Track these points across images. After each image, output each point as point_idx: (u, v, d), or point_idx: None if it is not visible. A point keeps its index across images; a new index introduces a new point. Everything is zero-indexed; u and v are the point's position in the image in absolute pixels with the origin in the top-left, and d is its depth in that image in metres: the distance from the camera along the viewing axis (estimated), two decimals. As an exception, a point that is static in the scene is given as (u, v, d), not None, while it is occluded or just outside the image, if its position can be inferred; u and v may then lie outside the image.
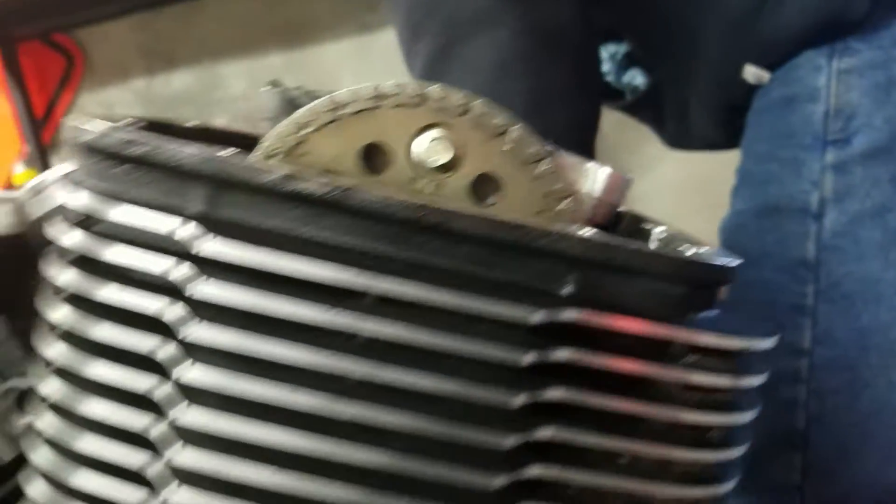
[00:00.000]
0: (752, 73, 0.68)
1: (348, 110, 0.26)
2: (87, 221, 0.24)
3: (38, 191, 0.39)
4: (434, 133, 0.26)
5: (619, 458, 0.24)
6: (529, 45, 0.61)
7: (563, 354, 0.23)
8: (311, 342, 0.23)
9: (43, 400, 0.27)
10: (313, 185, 0.22)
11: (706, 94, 0.74)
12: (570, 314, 0.22)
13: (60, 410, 0.26)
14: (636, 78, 0.81)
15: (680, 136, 0.80)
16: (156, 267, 0.23)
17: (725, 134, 0.74)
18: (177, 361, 0.23)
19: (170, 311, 0.23)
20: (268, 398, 0.23)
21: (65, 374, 0.26)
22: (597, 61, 0.75)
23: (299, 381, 0.23)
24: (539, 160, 0.25)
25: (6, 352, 0.42)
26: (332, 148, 0.26)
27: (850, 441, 0.61)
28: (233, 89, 1.84)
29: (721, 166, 0.73)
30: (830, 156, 0.62)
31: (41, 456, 0.27)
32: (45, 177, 0.39)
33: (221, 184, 0.23)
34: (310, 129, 0.26)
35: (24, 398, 0.41)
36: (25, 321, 0.43)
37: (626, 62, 0.81)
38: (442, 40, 0.61)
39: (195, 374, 0.23)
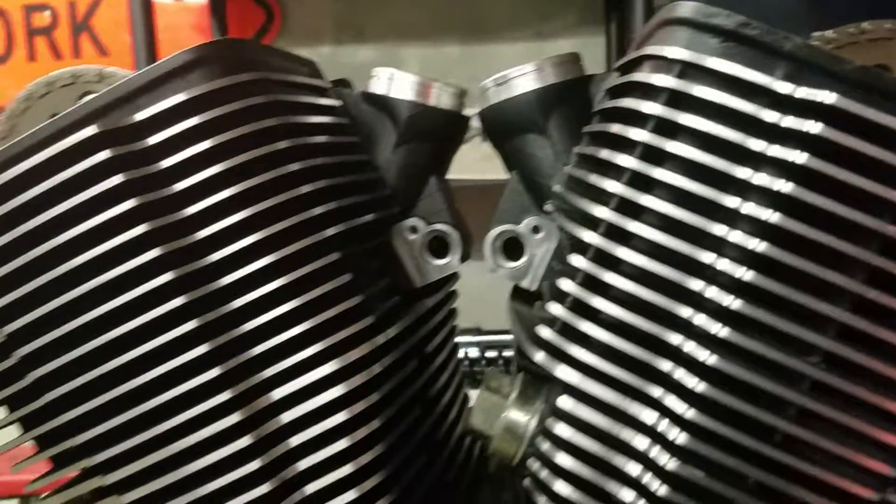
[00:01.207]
0: None
1: (867, 36, 0.35)
2: (682, 70, 0.34)
3: (501, 82, 0.50)
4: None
5: None
6: None
7: None
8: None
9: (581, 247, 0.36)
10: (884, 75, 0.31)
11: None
12: None
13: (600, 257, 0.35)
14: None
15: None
16: (745, 107, 0.32)
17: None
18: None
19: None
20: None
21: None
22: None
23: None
24: None
25: (433, 202, 0.52)
26: (846, 63, 0.35)
27: None
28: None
29: None
30: None
31: (568, 285, 0.36)
32: (508, 73, 0.50)
33: (803, 63, 0.32)
34: (832, 46, 0.36)
35: (436, 243, 0.52)
36: (445, 182, 0.54)
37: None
38: None
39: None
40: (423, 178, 0.53)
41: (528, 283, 0.49)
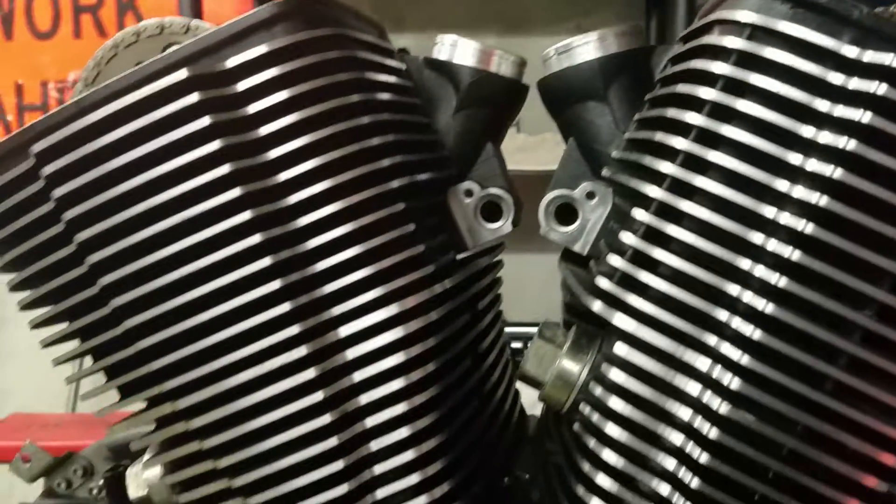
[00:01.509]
0: None
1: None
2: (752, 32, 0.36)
3: (563, 51, 0.51)
4: None
5: None
6: None
7: None
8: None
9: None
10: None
11: None
12: None
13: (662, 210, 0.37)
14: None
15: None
16: (812, 69, 0.34)
17: None
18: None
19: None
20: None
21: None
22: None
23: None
24: None
25: (489, 167, 0.54)
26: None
27: None
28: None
29: None
30: None
31: (629, 238, 0.38)
32: (571, 41, 0.51)
33: (870, 30, 0.34)
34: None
35: (489, 207, 0.54)
36: (499, 149, 0.56)
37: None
38: None
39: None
40: (480, 144, 0.55)
41: (580, 248, 0.50)
